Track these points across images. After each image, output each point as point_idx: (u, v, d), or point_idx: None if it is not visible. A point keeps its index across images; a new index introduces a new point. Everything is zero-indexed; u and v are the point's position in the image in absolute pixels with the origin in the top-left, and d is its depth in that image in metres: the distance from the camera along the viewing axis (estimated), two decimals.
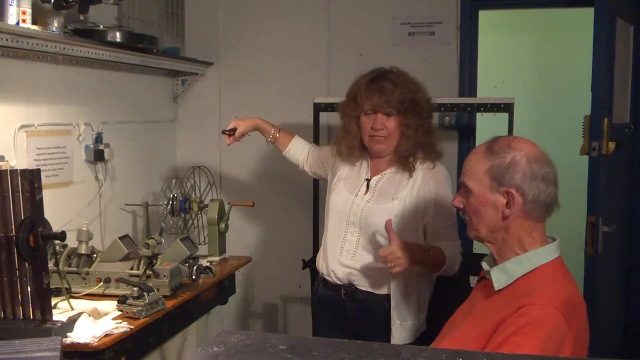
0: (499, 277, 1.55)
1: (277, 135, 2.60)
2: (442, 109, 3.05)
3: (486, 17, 3.70)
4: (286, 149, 2.61)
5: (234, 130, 2.56)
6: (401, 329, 2.20)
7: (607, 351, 2.95)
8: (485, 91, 3.86)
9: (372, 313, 2.23)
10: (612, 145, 2.79)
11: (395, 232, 2.06)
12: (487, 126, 3.52)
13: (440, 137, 2.32)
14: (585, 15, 3.19)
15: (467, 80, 3.45)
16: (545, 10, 4.54)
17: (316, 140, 3.18)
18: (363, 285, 2.24)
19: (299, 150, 2.60)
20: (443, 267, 2.18)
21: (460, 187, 1.64)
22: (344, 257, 2.26)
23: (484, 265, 1.62)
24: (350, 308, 2.27)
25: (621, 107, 3.16)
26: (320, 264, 2.36)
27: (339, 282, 2.28)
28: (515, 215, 1.53)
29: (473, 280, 2.45)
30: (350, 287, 2.26)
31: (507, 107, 2.95)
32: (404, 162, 2.23)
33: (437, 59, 3.46)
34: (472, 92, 3.48)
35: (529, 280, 1.51)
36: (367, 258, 2.21)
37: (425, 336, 2.19)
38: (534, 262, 1.53)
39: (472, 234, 1.63)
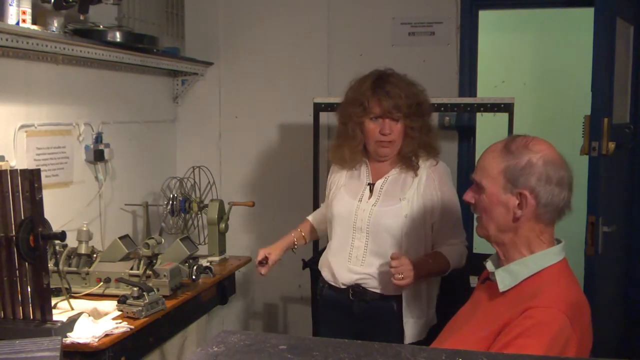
0: (504, 278, 1.54)
1: (302, 235, 2.54)
2: (442, 109, 3.05)
3: (486, 17, 3.70)
4: (317, 234, 2.59)
5: (266, 259, 2.42)
6: (414, 327, 2.20)
7: (607, 351, 2.94)
8: (485, 91, 3.85)
9: (379, 313, 2.22)
10: (612, 145, 2.79)
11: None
12: (487, 126, 3.53)
13: (440, 134, 2.34)
14: (585, 15, 3.19)
15: (467, 80, 3.45)
16: (545, 10, 4.54)
17: (316, 140, 3.18)
18: (373, 287, 2.22)
19: (322, 222, 2.52)
20: (447, 271, 2.19)
21: (473, 183, 1.62)
22: (352, 263, 2.24)
23: (489, 266, 1.62)
24: (357, 309, 2.25)
25: (621, 107, 3.15)
26: (325, 273, 2.34)
27: (346, 287, 2.27)
28: (526, 217, 1.52)
29: (473, 280, 2.46)
30: (358, 288, 2.24)
31: (507, 107, 2.94)
32: (407, 162, 2.23)
33: (437, 59, 3.46)
34: (472, 92, 3.48)
35: (534, 282, 1.50)
36: (376, 262, 2.19)
37: (435, 331, 2.18)
38: (539, 264, 1.52)
39: (480, 231, 1.62)
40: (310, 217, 2.61)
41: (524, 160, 1.51)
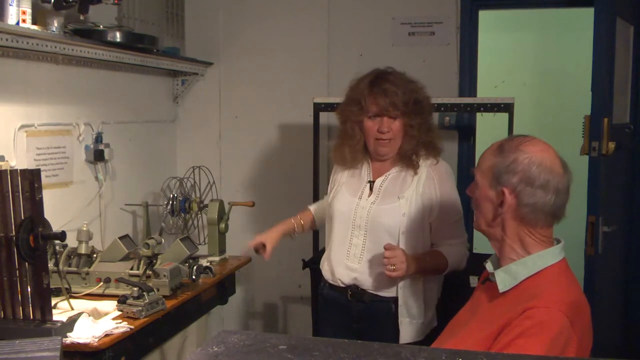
0: (504, 279, 1.54)
1: (302, 224, 2.55)
2: (442, 109, 3.05)
3: (486, 17, 3.70)
4: (316, 225, 2.62)
5: (263, 244, 2.47)
6: (410, 327, 2.19)
7: (607, 351, 2.94)
8: (485, 91, 3.85)
9: (377, 315, 2.22)
10: (612, 145, 2.79)
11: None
12: (487, 126, 3.53)
13: (440, 134, 2.33)
14: (585, 15, 3.19)
15: (467, 80, 3.45)
16: (545, 10, 4.54)
17: (316, 140, 3.18)
18: (371, 288, 2.23)
19: (323, 213, 2.53)
20: (446, 271, 2.19)
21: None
22: (350, 260, 2.24)
23: (488, 266, 1.62)
24: (355, 309, 2.26)
25: (621, 107, 3.15)
26: (325, 270, 2.35)
27: (344, 286, 2.28)
28: (509, 216, 1.53)
29: (473, 280, 2.45)
30: (356, 289, 2.25)
31: (507, 107, 2.94)
32: (408, 161, 2.23)
33: (437, 59, 3.46)
34: (472, 92, 3.48)
35: (534, 282, 1.50)
36: (374, 261, 2.19)
37: (436, 333, 2.18)
38: (538, 264, 1.52)
39: (474, 224, 1.65)
40: (311, 207, 2.63)
41: (510, 159, 1.52)
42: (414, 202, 2.19)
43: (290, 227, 2.54)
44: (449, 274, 2.26)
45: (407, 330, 2.19)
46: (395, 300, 2.20)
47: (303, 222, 2.56)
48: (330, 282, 2.32)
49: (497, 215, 1.55)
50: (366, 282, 2.22)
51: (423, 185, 2.20)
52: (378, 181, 2.26)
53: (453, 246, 2.22)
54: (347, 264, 2.25)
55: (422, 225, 2.20)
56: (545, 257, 1.53)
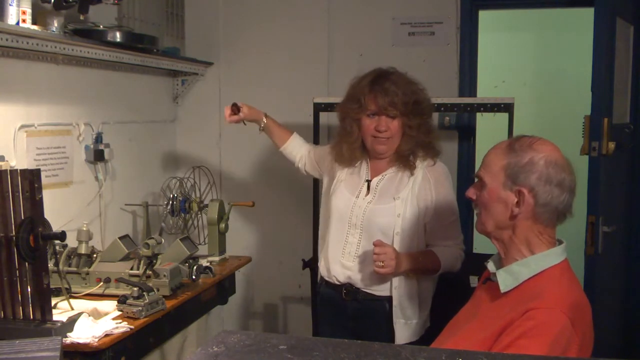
0: (505, 279, 1.54)
1: (273, 128, 2.62)
2: (442, 109, 3.05)
3: (486, 17, 3.70)
4: (284, 145, 2.62)
5: (239, 109, 2.58)
6: (405, 328, 2.20)
7: (607, 351, 2.94)
8: (485, 91, 3.85)
9: (373, 313, 2.23)
10: (612, 145, 2.79)
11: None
12: (487, 126, 3.52)
13: (439, 136, 2.34)
14: (585, 15, 3.19)
15: (467, 80, 3.45)
16: (545, 10, 4.54)
17: (316, 141, 3.18)
18: (364, 286, 2.24)
19: (296, 149, 2.61)
20: (439, 271, 2.19)
21: (476, 180, 1.63)
22: (345, 258, 2.26)
23: (490, 266, 1.62)
24: (351, 308, 2.27)
25: (621, 107, 3.15)
26: (322, 267, 2.36)
27: (339, 284, 2.28)
28: (524, 216, 1.52)
29: (473, 280, 2.45)
30: (350, 287, 2.26)
31: (507, 107, 2.94)
32: (405, 161, 2.24)
33: (437, 59, 3.46)
34: (472, 92, 3.48)
35: (536, 283, 1.50)
36: (368, 260, 2.20)
37: (430, 333, 2.19)
38: (541, 264, 1.52)
39: (479, 227, 1.63)
40: (294, 133, 2.65)
41: (526, 159, 1.52)
42: (409, 203, 2.19)
43: (259, 118, 2.62)
44: (448, 275, 2.26)
45: (402, 331, 2.20)
46: (389, 299, 2.21)
47: (275, 130, 2.63)
48: (326, 278, 2.34)
49: (512, 216, 1.53)
50: (359, 280, 2.23)
51: (419, 187, 2.21)
52: (375, 180, 2.27)
53: (448, 247, 2.22)
54: (342, 261, 2.26)
55: (417, 226, 2.20)
56: (548, 258, 1.53)
